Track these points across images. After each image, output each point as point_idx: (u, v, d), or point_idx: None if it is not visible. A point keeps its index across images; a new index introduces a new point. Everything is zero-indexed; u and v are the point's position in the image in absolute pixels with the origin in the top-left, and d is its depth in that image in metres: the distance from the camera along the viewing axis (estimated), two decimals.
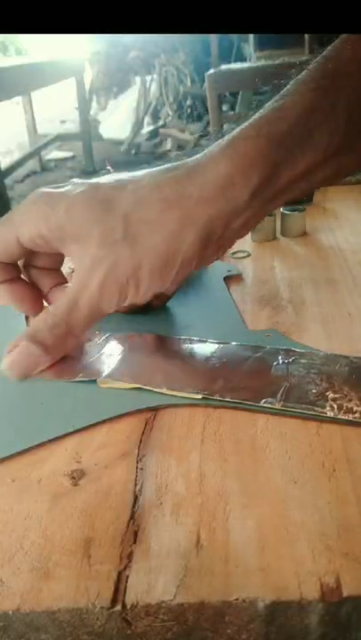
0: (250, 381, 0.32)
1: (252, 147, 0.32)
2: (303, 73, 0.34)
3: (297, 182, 0.33)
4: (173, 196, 0.32)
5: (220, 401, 0.31)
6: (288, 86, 0.34)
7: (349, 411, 0.29)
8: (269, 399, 0.30)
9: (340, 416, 0.29)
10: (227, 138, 0.33)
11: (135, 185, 0.33)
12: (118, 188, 0.33)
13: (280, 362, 0.34)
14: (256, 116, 0.34)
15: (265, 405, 0.30)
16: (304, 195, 0.40)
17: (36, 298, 0.37)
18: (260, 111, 0.34)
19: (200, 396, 0.31)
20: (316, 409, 0.29)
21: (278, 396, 0.30)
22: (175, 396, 0.31)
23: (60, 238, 0.33)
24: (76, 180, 0.35)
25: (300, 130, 0.32)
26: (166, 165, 0.34)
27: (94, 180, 0.34)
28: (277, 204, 0.35)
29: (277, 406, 0.30)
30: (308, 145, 0.33)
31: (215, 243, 0.33)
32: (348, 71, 0.33)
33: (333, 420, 0.28)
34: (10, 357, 0.33)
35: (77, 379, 0.34)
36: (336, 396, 0.30)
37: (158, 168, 0.34)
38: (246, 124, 0.34)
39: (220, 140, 0.34)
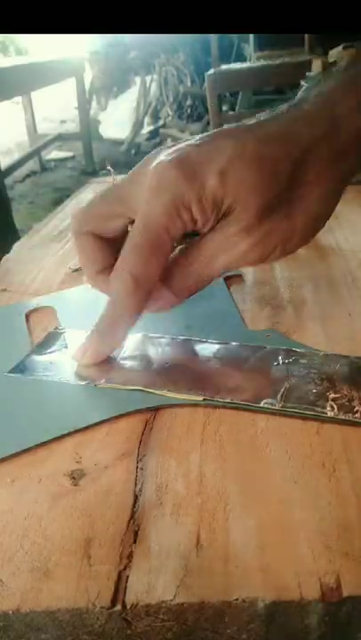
0: (250, 382, 0.32)
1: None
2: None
3: None
4: (325, 153, 0.31)
5: (221, 402, 0.31)
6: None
7: (350, 410, 0.29)
8: (270, 399, 0.30)
9: (340, 416, 0.29)
10: (348, 77, 0.33)
11: (283, 138, 0.31)
12: (266, 142, 0.31)
13: (280, 362, 0.34)
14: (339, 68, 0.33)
15: (265, 406, 0.30)
16: None
17: None
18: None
19: (201, 398, 0.31)
20: (317, 409, 0.29)
21: (278, 396, 0.30)
22: (176, 397, 0.31)
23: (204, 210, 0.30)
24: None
25: None
26: (280, 111, 0.33)
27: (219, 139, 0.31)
28: None
29: (278, 406, 0.30)
30: None
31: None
32: None
33: (334, 421, 0.28)
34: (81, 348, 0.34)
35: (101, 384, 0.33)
36: (336, 395, 0.30)
37: (283, 115, 0.32)
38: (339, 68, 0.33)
39: (334, 74, 0.33)
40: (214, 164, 0.30)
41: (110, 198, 0.34)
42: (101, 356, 0.35)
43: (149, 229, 0.30)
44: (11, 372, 0.35)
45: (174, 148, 0.31)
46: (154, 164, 0.31)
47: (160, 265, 0.31)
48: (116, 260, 0.32)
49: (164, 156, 0.31)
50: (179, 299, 0.33)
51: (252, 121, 0.32)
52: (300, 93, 0.34)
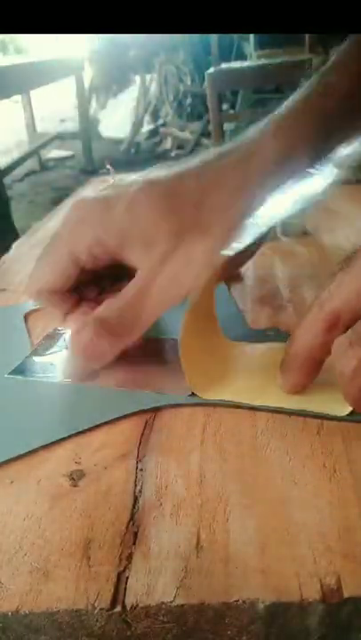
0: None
1: (303, 125, 0.35)
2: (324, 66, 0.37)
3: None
4: (239, 179, 0.33)
5: (222, 401, 0.30)
6: (332, 61, 0.37)
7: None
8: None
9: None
10: (276, 118, 0.36)
11: (193, 175, 0.33)
12: (176, 179, 0.33)
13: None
14: (303, 94, 0.36)
15: (266, 405, 0.30)
16: None
17: None
18: (305, 89, 0.37)
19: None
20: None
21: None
22: (179, 397, 0.31)
23: (120, 243, 0.32)
24: (110, 182, 0.35)
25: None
26: (213, 151, 0.36)
27: (138, 179, 0.34)
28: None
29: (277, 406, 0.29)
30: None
31: None
32: None
33: (335, 419, 0.28)
34: (78, 343, 0.32)
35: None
36: None
37: (205, 156, 0.35)
38: (295, 100, 0.36)
39: (269, 122, 0.36)
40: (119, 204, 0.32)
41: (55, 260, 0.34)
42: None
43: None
44: (10, 373, 0.35)
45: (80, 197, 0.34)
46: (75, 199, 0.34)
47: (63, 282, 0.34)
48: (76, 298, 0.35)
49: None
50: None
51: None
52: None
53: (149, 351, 0.37)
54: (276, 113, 0.36)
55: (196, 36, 3.84)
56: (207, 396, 0.31)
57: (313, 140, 0.35)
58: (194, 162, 0.35)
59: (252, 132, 0.36)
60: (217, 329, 0.35)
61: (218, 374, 0.32)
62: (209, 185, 0.33)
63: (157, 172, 0.35)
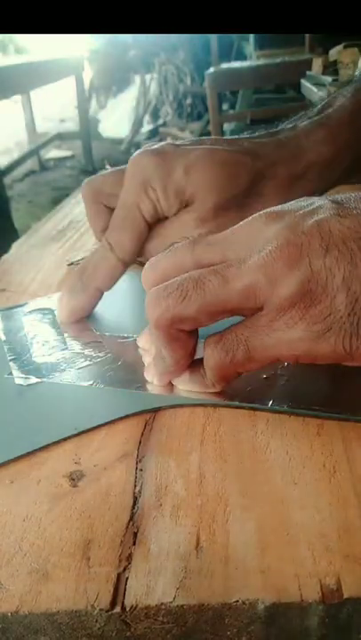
0: (250, 381, 0.32)
1: (347, 135, 0.38)
2: None
3: None
4: (285, 174, 0.37)
5: (222, 402, 0.30)
6: None
7: None
8: (270, 399, 0.30)
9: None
10: (320, 118, 0.39)
11: (251, 155, 0.36)
12: (236, 155, 0.36)
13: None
14: (345, 101, 0.40)
15: (265, 406, 0.30)
16: None
17: None
18: (347, 96, 0.40)
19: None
20: (317, 408, 0.29)
21: (279, 395, 0.30)
22: (179, 397, 0.31)
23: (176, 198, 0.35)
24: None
25: None
26: (264, 134, 0.40)
27: (195, 146, 0.37)
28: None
29: (278, 406, 0.29)
30: None
31: None
32: None
33: (334, 419, 0.28)
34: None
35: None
36: None
37: (261, 139, 0.39)
38: (339, 104, 0.40)
39: (304, 118, 0.40)
40: (183, 159, 0.35)
41: (119, 177, 0.38)
42: (74, 313, 0.38)
43: (123, 206, 0.36)
44: (10, 374, 0.35)
45: (159, 144, 0.37)
46: (135, 153, 0.37)
47: (133, 236, 0.36)
48: None
49: (145, 148, 0.37)
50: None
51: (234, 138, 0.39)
52: (280, 125, 0.41)
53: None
54: (330, 109, 0.40)
55: (196, 36, 3.83)
56: None
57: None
58: (249, 143, 0.38)
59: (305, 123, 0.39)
60: None
61: None
62: (266, 172, 0.36)
63: (217, 144, 0.37)
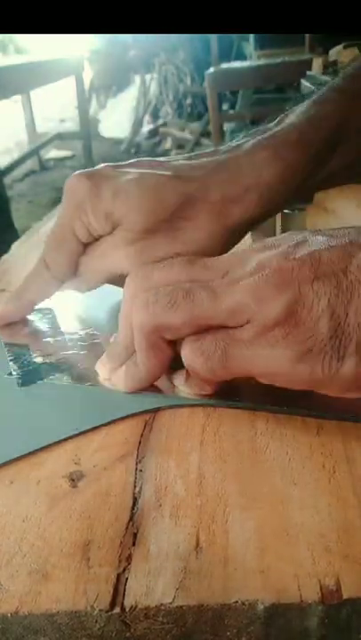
0: (250, 381, 0.32)
1: (294, 155, 0.37)
2: (337, 79, 0.40)
3: (323, 183, 0.40)
4: (218, 198, 0.36)
5: (222, 402, 0.30)
6: (322, 93, 0.40)
7: None
8: (270, 399, 0.30)
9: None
10: (265, 137, 0.38)
11: (182, 182, 0.36)
12: (163, 176, 0.37)
13: None
14: (294, 119, 0.38)
15: (265, 406, 0.30)
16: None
17: None
18: (297, 113, 0.39)
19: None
20: (317, 408, 0.29)
21: (279, 396, 0.30)
22: (179, 397, 0.31)
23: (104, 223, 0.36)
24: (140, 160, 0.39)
25: (336, 137, 0.38)
26: (204, 154, 0.39)
27: (131, 170, 0.38)
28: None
29: (278, 406, 0.29)
30: (340, 150, 0.38)
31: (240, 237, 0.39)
32: None
33: (334, 419, 0.28)
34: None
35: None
36: None
37: (199, 159, 0.39)
38: (289, 122, 0.38)
39: (256, 135, 0.39)
40: (113, 183, 0.36)
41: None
42: (2, 318, 0.40)
43: (60, 227, 0.38)
44: (10, 374, 0.35)
45: (96, 167, 0.39)
46: (71, 176, 0.38)
47: (67, 257, 0.38)
48: None
49: (81, 171, 0.38)
50: (84, 287, 0.39)
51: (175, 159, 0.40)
52: (235, 140, 0.40)
53: None
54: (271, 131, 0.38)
55: (196, 36, 3.83)
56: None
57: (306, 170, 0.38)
58: (183, 165, 0.38)
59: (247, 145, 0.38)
60: None
61: None
62: (198, 195, 0.36)
63: (151, 167, 0.38)
